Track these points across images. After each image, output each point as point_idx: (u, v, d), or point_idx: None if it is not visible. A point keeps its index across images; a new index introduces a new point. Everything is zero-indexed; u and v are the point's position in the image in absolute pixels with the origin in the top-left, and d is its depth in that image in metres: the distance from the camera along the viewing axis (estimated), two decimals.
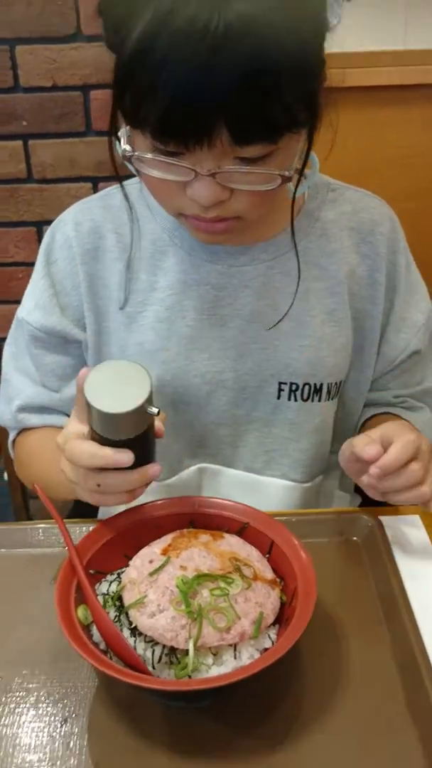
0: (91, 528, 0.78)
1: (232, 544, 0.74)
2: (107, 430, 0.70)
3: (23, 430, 1.03)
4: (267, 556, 0.75)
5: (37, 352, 0.99)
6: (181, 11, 0.65)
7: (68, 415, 0.95)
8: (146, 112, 0.70)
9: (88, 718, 0.68)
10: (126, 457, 0.70)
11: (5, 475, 2.15)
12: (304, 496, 1.02)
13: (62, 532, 0.74)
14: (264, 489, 1.01)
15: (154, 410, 0.69)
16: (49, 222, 1.01)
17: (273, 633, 0.68)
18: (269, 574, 0.72)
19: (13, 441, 1.05)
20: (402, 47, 1.68)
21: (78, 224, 0.96)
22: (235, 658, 0.65)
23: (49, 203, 1.80)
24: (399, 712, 0.67)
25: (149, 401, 0.68)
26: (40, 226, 1.83)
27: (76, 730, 0.67)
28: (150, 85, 0.68)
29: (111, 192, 0.98)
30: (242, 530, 0.77)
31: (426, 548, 0.85)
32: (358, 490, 1.08)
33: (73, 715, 0.68)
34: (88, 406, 0.68)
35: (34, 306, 0.97)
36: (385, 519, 0.87)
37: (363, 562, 0.84)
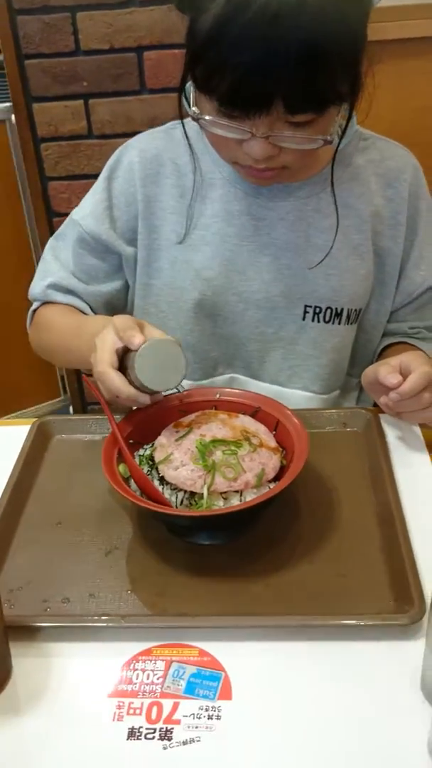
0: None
1: (245, 421, 0.89)
2: (143, 388, 0.87)
3: (46, 303, 1.17)
4: (273, 432, 0.91)
5: (81, 252, 1.13)
6: (254, 1, 0.77)
7: (88, 304, 1.13)
8: (216, 83, 0.83)
9: (127, 551, 0.85)
10: (145, 400, 0.88)
11: (71, 409, 2.36)
12: (322, 407, 1.15)
13: (104, 409, 0.90)
14: (287, 399, 1.10)
15: (181, 388, 0.89)
16: None
17: (272, 485, 0.84)
18: (272, 443, 0.87)
19: (34, 311, 1.18)
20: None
21: (143, 151, 1.10)
22: (240, 501, 0.81)
23: (108, 157, 1.91)
24: (374, 550, 0.83)
25: (180, 382, 0.87)
26: None
27: (117, 558, 0.84)
28: (222, 62, 0.81)
29: (175, 125, 1.11)
30: (255, 413, 0.93)
31: (414, 437, 1.00)
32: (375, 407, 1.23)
33: (115, 549, 0.86)
34: (135, 368, 0.85)
35: (89, 213, 1.12)
36: (383, 416, 1.02)
37: (360, 446, 0.99)
